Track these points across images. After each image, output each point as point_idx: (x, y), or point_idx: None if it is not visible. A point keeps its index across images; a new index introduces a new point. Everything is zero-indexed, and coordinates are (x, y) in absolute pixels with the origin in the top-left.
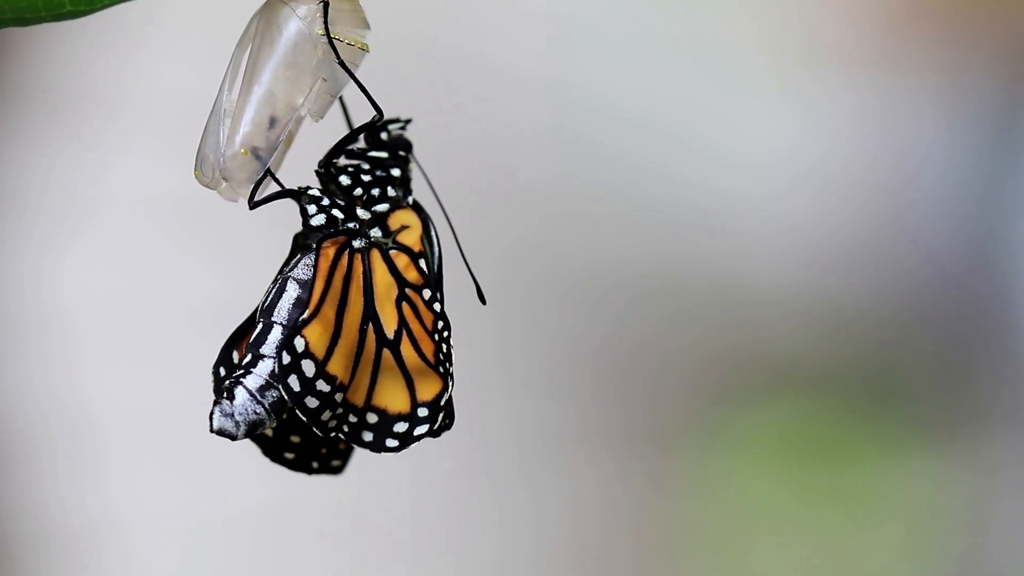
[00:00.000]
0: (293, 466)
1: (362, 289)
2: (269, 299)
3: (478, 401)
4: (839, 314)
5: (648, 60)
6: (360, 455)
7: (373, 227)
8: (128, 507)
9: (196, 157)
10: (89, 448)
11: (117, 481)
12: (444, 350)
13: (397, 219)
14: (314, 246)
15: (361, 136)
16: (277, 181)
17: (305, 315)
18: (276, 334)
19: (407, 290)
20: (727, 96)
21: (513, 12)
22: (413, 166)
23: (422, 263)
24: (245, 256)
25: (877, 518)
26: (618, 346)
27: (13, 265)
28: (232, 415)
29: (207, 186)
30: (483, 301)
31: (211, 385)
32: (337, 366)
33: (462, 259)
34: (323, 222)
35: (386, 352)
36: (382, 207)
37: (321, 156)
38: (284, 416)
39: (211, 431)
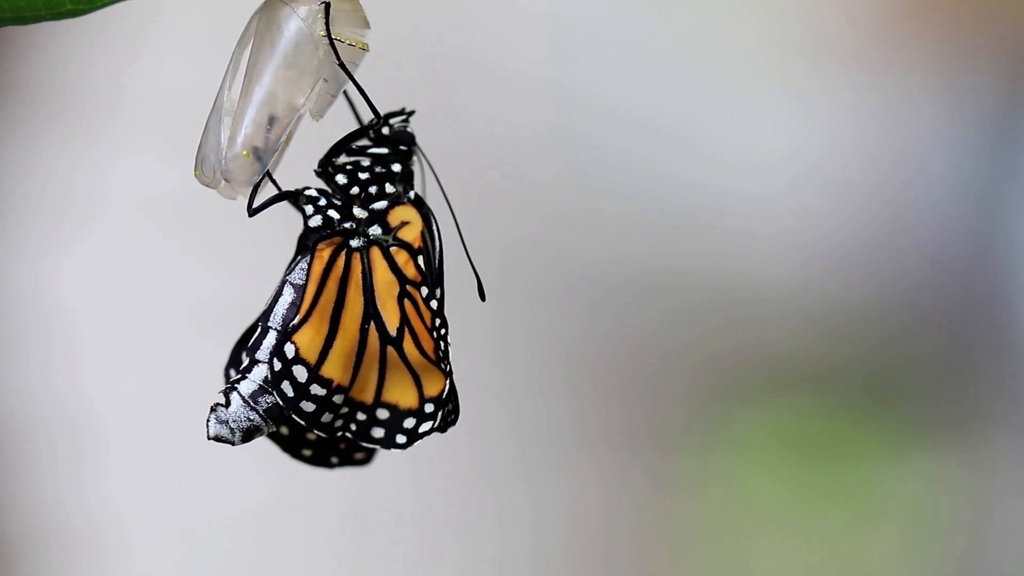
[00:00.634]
0: (312, 462)
1: (361, 288)
2: (268, 302)
3: (478, 400)
4: (839, 313)
5: (648, 60)
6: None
7: (372, 225)
8: (128, 507)
9: (196, 157)
10: (89, 448)
11: (117, 481)
12: (442, 347)
13: (397, 215)
14: (310, 248)
15: (361, 135)
16: (275, 183)
17: (296, 320)
18: (271, 339)
19: (408, 287)
20: (727, 95)
21: (513, 12)
22: (416, 160)
23: (420, 259)
24: (245, 256)
25: (877, 517)
26: (618, 345)
27: (13, 265)
28: (227, 421)
29: (207, 185)
30: (483, 297)
31: (219, 386)
32: (333, 369)
33: (465, 254)
34: (320, 223)
35: (391, 349)
36: (380, 204)
37: (321, 156)
38: (282, 420)
39: (208, 438)
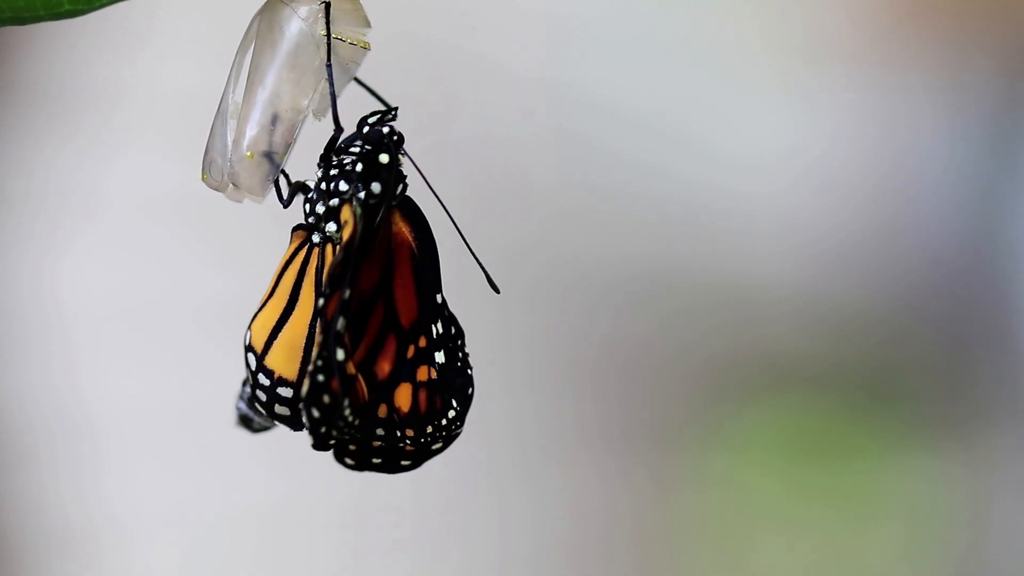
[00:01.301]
0: (385, 469)
1: (315, 284)
2: None
3: (478, 399)
4: (839, 312)
5: (648, 59)
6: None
7: (328, 221)
8: (128, 506)
9: (203, 161)
10: (89, 448)
11: (117, 480)
12: (314, 345)
13: (342, 214)
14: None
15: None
16: (288, 179)
17: (256, 308)
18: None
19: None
20: (727, 95)
21: (513, 11)
22: (399, 160)
23: (337, 257)
24: (246, 255)
25: (876, 516)
26: (618, 345)
27: (13, 265)
28: (236, 410)
29: (215, 188)
30: (496, 290)
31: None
32: (276, 360)
33: (470, 251)
34: (303, 216)
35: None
36: (334, 202)
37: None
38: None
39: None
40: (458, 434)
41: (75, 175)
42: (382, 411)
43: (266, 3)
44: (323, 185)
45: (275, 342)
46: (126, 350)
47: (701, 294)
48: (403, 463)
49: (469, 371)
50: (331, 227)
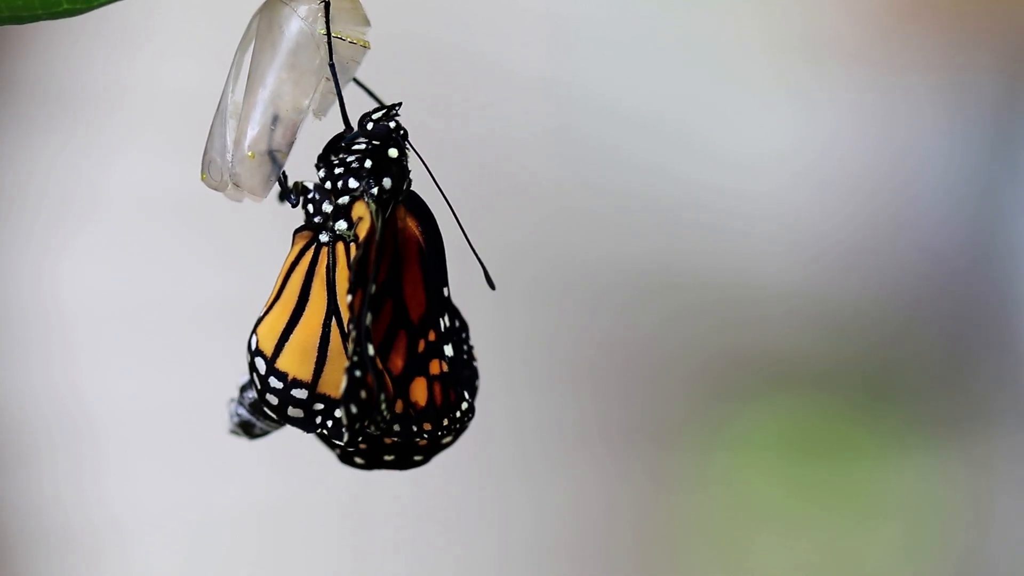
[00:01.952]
0: (396, 466)
1: (325, 283)
2: None
3: (478, 400)
4: (839, 311)
5: (648, 58)
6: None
7: (337, 219)
8: (128, 506)
9: (202, 161)
10: (89, 448)
11: (117, 480)
12: (346, 344)
13: (355, 211)
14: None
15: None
16: (286, 178)
17: (261, 312)
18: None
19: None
20: (727, 94)
21: (513, 11)
22: (407, 154)
23: (351, 255)
24: (246, 254)
25: (877, 515)
26: (618, 343)
27: (13, 264)
28: (232, 416)
29: (214, 188)
30: (491, 286)
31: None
32: (289, 362)
33: (468, 244)
34: (304, 216)
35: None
36: (343, 199)
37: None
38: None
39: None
40: (468, 426)
41: (75, 175)
42: (398, 406)
43: (265, 2)
44: (328, 184)
45: (287, 344)
46: (126, 350)
47: (701, 294)
48: (415, 458)
49: (475, 363)
50: (341, 225)
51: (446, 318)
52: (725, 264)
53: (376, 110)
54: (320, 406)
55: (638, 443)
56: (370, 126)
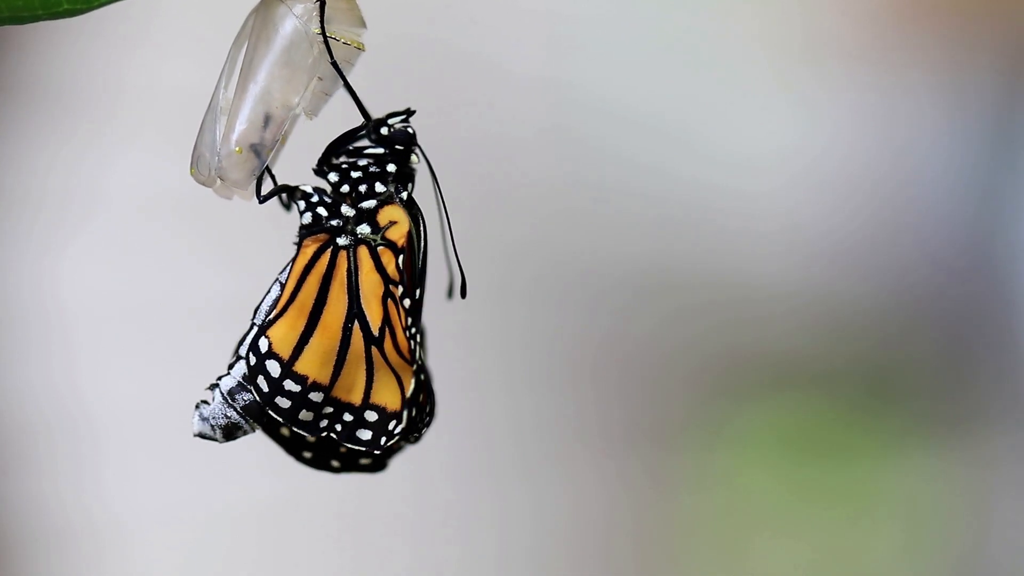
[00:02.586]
0: (313, 464)
1: (346, 286)
2: (261, 299)
3: (478, 398)
4: (839, 311)
5: (648, 58)
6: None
7: (360, 223)
8: (128, 506)
9: (192, 155)
10: (89, 447)
11: (117, 480)
12: (412, 347)
13: (385, 215)
14: (297, 245)
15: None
16: (273, 179)
17: (272, 315)
18: (251, 336)
19: (390, 286)
20: (727, 94)
21: (513, 11)
22: (417, 160)
23: (401, 259)
24: (246, 254)
25: (877, 515)
26: (618, 343)
27: (13, 264)
28: (208, 419)
29: (202, 184)
30: (463, 295)
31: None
32: (309, 365)
33: (454, 252)
34: (310, 220)
35: (375, 350)
36: (369, 203)
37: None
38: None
39: (193, 435)
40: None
41: (75, 174)
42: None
43: (262, 1)
44: (346, 187)
45: (306, 347)
46: (126, 350)
47: (701, 294)
48: (364, 460)
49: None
50: (364, 229)
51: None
52: (725, 264)
53: (393, 114)
54: (330, 409)
55: (638, 442)
56: (384, 131)
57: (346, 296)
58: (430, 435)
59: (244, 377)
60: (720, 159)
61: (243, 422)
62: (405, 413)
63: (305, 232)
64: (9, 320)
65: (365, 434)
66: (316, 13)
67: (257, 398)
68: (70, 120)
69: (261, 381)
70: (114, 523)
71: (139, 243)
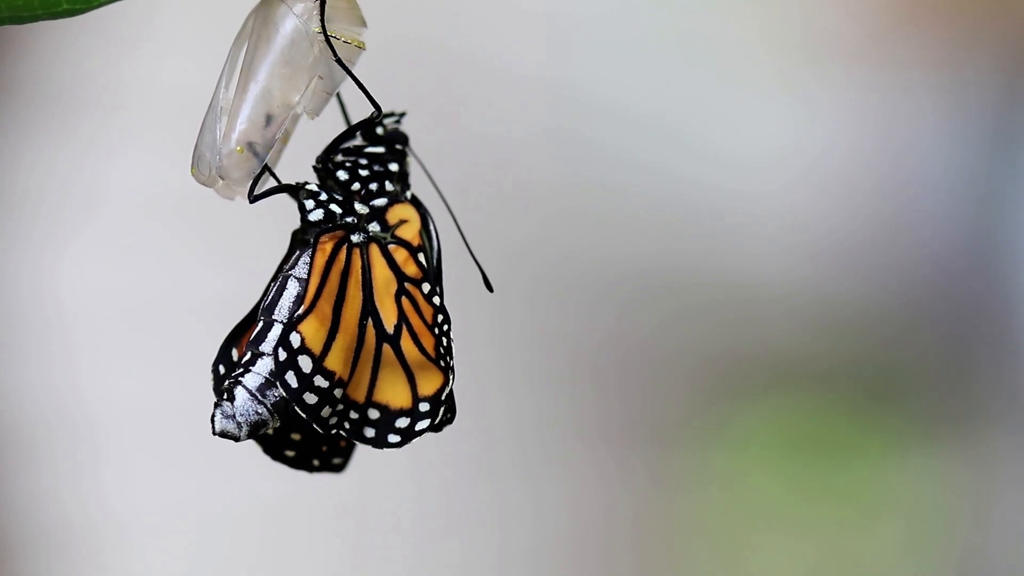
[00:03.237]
0: (294, 464)
1: (360, 284)
2: (270, 297)
3: (478, 398)
4: (839, 311)
5: (648, 58)
6: (361, 452)
7: (371, 222)
8: (128, 506)
9: (192, 155)
10: (89, 447)
11: (117, 480)
12: (444, 344)
13: (395, 213)
14: (312, 242)
15: (358, 132)
16: (275, 177)
17: (300, 311)
18: (276, 332)
19: (406, 284)
20: (727, 94)
21: (513, 12)
22: (411, 160)
23: (421, 257)
24: (245, 253)
25: (878, 514)
26: (618, 343)
27: (13, 263)
28: (234, 416)
29: (203, 184)
30: (490, 289)
31: (211, 384)
32: (335, 361)
33: (467, 248)
34: (321, 217)
35: (386, 347)
36: (380, 201)
37: (319, 152)
38: (286, 414)
39: (213, 433)
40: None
41: (75, 174)
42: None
43: (262, 0)
44: (356, 185)
45: (333, 344)
46: (126, 349)
47: (701, 293)
48: (335, 461)
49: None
50: (375, 227)
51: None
52: (725, 264)
53: (386, 115)
54: (341, 407)
55: (638, 442)
56: (381, 130)
57: (360, 293)
58: (430, 435)
59: (271, 373)
60: (720, 159)
61: (270, 418)
62: (429, 410)
63: (316, 229)
64: (9, 320)
65: (369, 432)
66: (316, 12)
67: (284, 393)
68: (70, 120)
69: (291, 377)
70: (114, 523)
71: (139, 243)
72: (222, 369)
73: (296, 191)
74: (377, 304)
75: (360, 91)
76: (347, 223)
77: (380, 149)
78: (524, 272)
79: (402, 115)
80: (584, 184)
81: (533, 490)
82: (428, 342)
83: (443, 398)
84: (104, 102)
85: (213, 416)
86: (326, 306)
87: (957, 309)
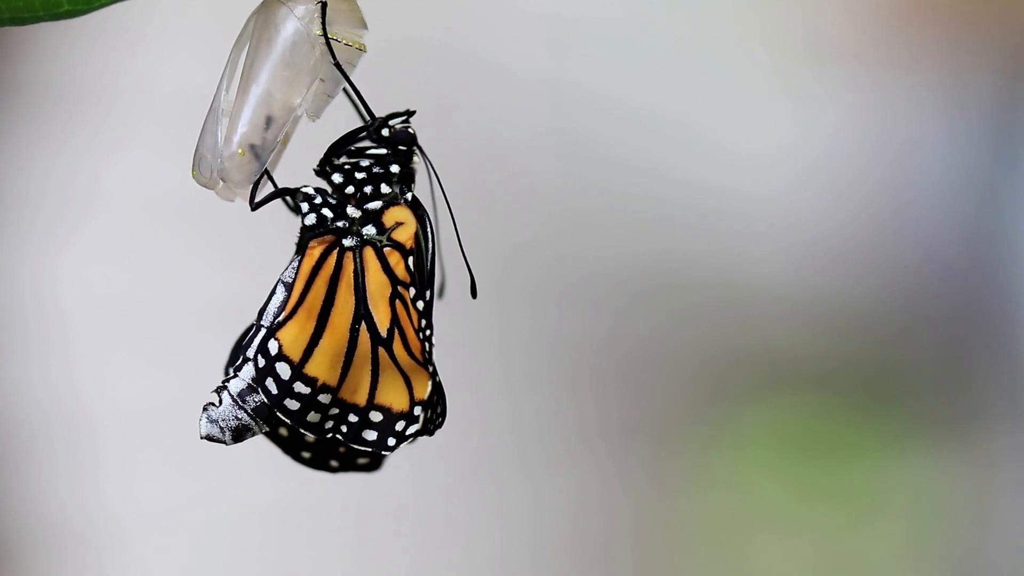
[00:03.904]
0: (311, 465)
1: (353, 288)
2: (265, 301)
3: (478, 399)
4: (839, 312)
5: (648, 59)
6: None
7: (366, 224)
8: (128, 506)
9: (194, 157)
10: (89, 447)
11: (117, 480)
12: (427, 348)
13: (391, 216)
14: (302, 246)
15: (359, 135)
16: (273, 181)
17: (281, 317)
18: (259, 337)
19: (399, 287)
20: (727, 95)
21: (513, 12)
22: (417, 160)
23: (411, 260)
24: (245, 254)
25: (877, 515)
26: (618, 344)
27: (12, 263)
28: (217, 421)
29: (204, 185)
30: (474, 295)
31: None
32: (318, 367)
33: (461, 254)
34: (314, 221)
35: (382, 350)
36: (375, 204)
37: (321, 155)
38: (272, 420)
39: (200, 437)
40: (409, 438)
41: (74, 174)
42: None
43: (263, 2)
44: (350, 188)
45: (316, 350)
46: (126, 349)
47: (701, 294)
48: (360, 461)
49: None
50: (370, 230)
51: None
52: (725, 264)
53: (392, 115)
54: (336, 411)
55: (638, 443)
56: (386, 131)
57: (353, 297)
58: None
59: (253, 379)
60: (720, 160)
61: (253, 424)
62: (420, 414)
63: (310, 234)
64: (9, 320)
65: (371, 435)
66: (318, 15)
67: (266, 400)
68: (70, 120)
69: (270, 383)
70: (114, 523)
71: (139, 243)
72: (231, 372)
73: (293, 195)
74: (371, 308)
75: (356, 97)
76: (338, 227)
77: (382, 151)
78: (524, 272)
79: (410, 114)
80: (584, 184)
81: (533, 490)
82: (416, 346)
83: (429, 401)
84: (104, 102)
85: (200, 420)
86: (309, 312)
87: (957, 309)
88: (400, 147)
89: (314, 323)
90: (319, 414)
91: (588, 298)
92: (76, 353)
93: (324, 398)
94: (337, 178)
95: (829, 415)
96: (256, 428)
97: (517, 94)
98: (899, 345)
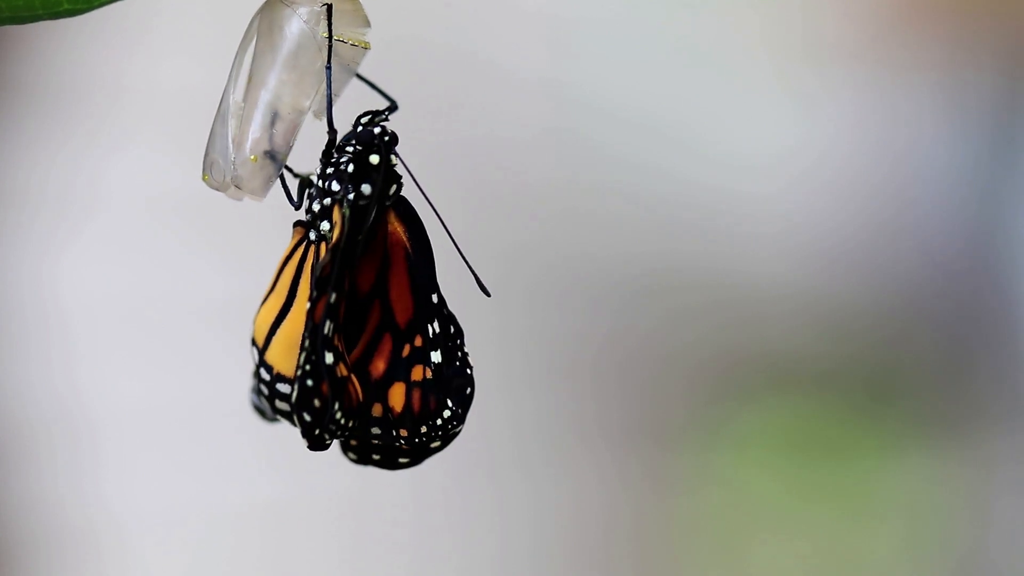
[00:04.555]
0: (380, 465)
1: (311, 280)
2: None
3: (478, 398)
4: (839, 312)
5: (648, 59)
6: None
7: (323, 220)
8: (128, 506)
9: (204, 161)
10: (89, 447)
11: (117, 480)
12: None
13: (334, 215)
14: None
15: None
16: (294, 174)
17: (259, 304)
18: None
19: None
20: (727, 95)
21: (513, 12)
22: (396, 160)
23: (327, 258)
24: (246, 253)
25: (877, 515)
26: (618, 344)
27: (12, 263)
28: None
29: (216, 189)
30: (486, 293)
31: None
32: (276, 356)
33: (459, 254)
34: (306, 212)
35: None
36: (327, 201)
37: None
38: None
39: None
40: (456, 433)
41: (74, 174)
42: (377, 410)
43: (266, 3)
44: (320, 183)
45: (274, 338)
46: (126, 349)
47: (701, 294)
48: (401, 460)
49: (468, 371)
50: (325, 226)
51: (436, 324)
52: (725, 265)
53: (365, 113)
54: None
55: (638, 442)
56: (359, 129)
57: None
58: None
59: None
60: (720, 160)
61: (264, 406)
62: (295, 415)
63: (296, 221)
64: (9, 320)
65: (283, 405)
66: (324, 17)
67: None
68: (70, 120)
69: (259, 370)
70: (114, 523)
71: (139, 242)
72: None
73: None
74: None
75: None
76: (306, 221)
77: (350, 148)
78: (524, 272)
79: (391, 110)
80: (584, 185)
81: (533, 490)
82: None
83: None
84: (104, 102)
85: (249, 392)
86: (276, 300)
87: (957, 309)
88: (358, 146)
89: (277, 312)
90: (285, 404)
91: (588, 298)
92: (76, 353)
93: (283, 388)
94: (318, 171)
95: (829, 415)
96: (268, 412)
97: (517, 94)
98: (899, 345)
